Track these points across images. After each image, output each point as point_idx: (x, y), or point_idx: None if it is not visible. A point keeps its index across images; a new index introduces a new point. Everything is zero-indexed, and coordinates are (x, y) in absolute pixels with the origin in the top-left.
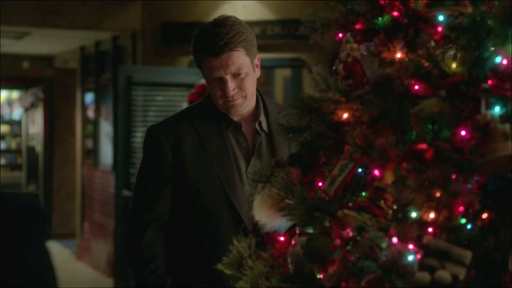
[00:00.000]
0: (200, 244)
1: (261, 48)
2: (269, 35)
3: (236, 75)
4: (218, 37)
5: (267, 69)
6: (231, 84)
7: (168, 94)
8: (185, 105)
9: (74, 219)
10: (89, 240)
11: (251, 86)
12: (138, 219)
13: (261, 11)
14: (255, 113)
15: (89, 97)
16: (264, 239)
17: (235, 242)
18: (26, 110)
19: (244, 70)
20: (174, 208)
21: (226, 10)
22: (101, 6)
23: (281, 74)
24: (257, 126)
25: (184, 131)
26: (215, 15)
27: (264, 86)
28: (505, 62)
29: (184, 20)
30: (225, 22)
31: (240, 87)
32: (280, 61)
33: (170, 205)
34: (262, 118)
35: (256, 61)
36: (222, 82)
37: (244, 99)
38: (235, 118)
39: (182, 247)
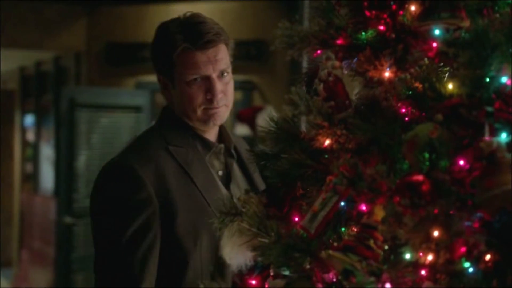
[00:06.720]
0: None
1: None
2: None
3: (221, 76)
4: (207, 26)
5: None
6: (219, 85)
7: (113, 116)
8: None
9: (11, 247)
10: (27, 268)
11: (232, 95)
12: None
13: None
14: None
15: (29, 119)
16: (235, 283)
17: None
18: None
19: (230, 70)
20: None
21: None
22: (43, 25)
23: None
24: (232, 149)
25: (162, 160)
26: None
27: None
28: (509, 82)
29: (131, 40)
30: (202, 15)
31: (225, 93)
32: None
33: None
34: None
35: None
36: (208, 82)
37: (226, 109)
38: (209, 136)
39: None
